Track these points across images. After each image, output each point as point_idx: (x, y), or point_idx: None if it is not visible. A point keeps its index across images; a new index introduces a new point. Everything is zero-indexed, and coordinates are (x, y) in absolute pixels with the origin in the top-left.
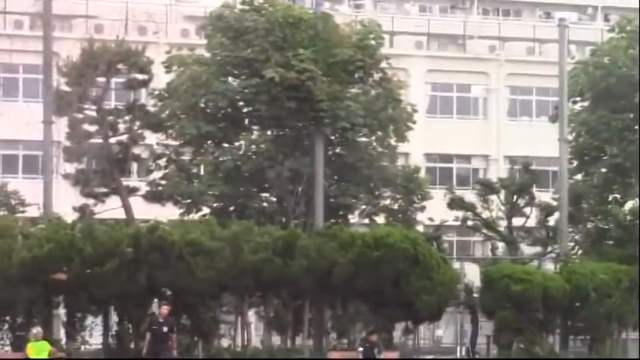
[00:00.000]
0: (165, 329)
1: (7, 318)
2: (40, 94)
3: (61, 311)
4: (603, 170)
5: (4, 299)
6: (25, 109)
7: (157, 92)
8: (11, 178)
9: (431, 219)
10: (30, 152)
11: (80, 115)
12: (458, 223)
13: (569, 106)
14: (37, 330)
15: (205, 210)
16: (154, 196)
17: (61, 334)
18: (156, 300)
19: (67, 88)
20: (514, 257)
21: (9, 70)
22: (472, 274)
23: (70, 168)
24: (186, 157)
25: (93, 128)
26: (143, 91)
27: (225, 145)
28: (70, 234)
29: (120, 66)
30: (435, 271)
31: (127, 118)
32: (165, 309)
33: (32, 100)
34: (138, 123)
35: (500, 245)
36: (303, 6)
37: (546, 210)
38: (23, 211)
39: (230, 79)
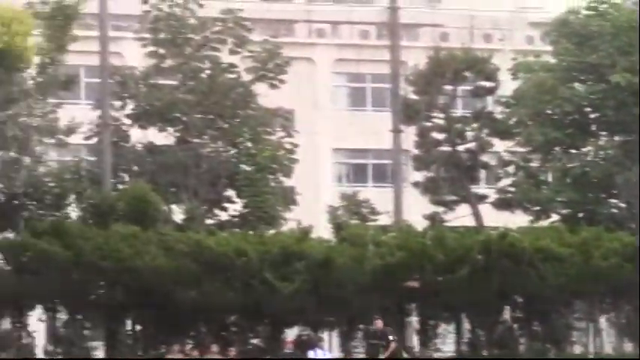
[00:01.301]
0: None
1: (361, 326)
2: (388, 103)
3: (414, 319)
4: None
5: (357, 307)
6: (373, 118)
7: (503, 99)
8: (361, 187)
9: None
10: (379, 161)
11: (428, 124)
12: None
13: None
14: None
15: (554, 217)
16: (503, 203)
17: (414, 341)
18: None
19: (414, 97)
20: None
21: (357, 80)
22: None
23: (419, 176)
24: (534, 164)
25: (441, 136)
26: (489, 98)
27: (573, 151)
28: (421, 241)
29: (466, 74)
30: None
31: (474, 125)
32: (379, 323)
33: (380, 109)
34: (485, 130)
35: None
36: None
37: None
38: (374, 220)
39: (576, 84)
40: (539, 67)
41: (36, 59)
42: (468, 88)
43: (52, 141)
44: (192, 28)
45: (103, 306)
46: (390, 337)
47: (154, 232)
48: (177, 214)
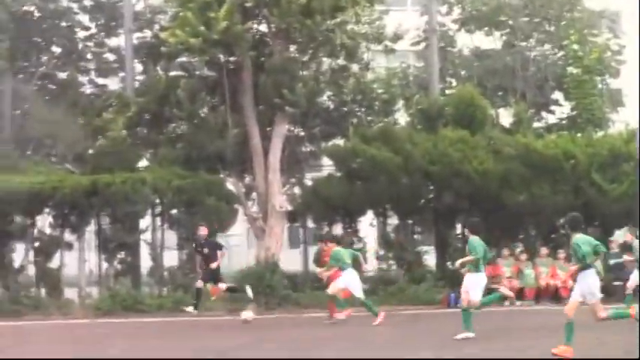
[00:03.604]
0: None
1: None
2: None
3: None
4: None
5: None
6: None
7: None
8: None
9: None
10: None
11: None
12: None
13: None
14: None
15: None
16: None
17: None
18: None
19: None
20: None
21: None
22: None
23: None
24: None
25: None
26: None
27: None
28: None
29: None
30: None
31: None
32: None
33: None
34: None
35: None
36: None
37: None
38: None
39: None
40: None
41: None
42: None
43: (379, 48)
44: None
45: (432, 210)
46: None
47: (482, 136)
48: (505, 117)
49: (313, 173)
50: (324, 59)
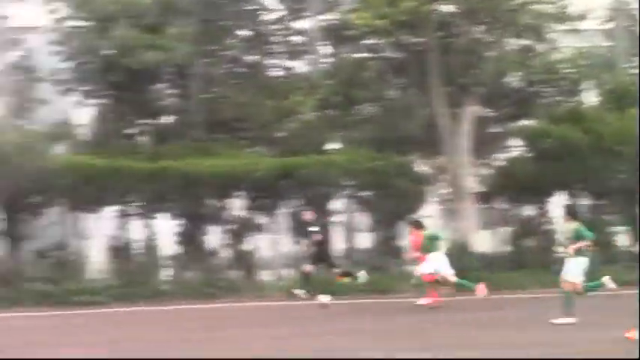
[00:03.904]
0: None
1: None
2: None
3: None
4: None
5: None
6: None
7: None
8: None
9: None
10: None
11: None
12: None
13: None
14: None
15: None
16: None
17: None
18: None
19: None
20: None
21: None
22: None
23: None
24: None
25: None
26: None
27: None
28: None
29: None
30: None
31: None
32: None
33: None
34: None
35: None
36: None
37: None
38: None
39: None
40: None
41: None
42: None
43: (565, 27)
44: None
45: (623, 191)
46: None
47: None
48: None
49: (501, 154)
50: (510, 40)
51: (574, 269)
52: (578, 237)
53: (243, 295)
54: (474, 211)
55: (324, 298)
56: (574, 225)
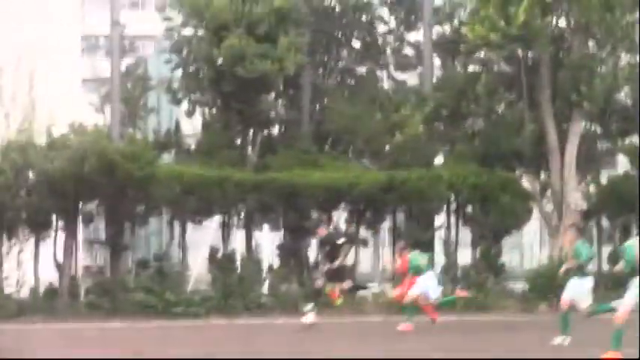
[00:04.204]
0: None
1: None
2: None
3: None
4: None
5: None
6: None
7: None
8: None
9: None
10: None
11: None
12: None
13: None
14: None
15: None
16: None
17: None
18: None
19: None
20: None
21: None
22: None
23: None
24: None
25: None
26: None
27: None
28: None
29: None
30: None
31: None
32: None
33: None
34: None
35: None
36: None
37: None
38: None
39: None
40: None
41: None
42: None
43: None
44: None
45: None
46: None
47: None
48: None
49: (607, 170)
50: (623, 55)
51: (579, 290)
52: (576, 255)
53: (341, 309)
54: (577, 228)
55: (308, 318)
56: (577, 242)
